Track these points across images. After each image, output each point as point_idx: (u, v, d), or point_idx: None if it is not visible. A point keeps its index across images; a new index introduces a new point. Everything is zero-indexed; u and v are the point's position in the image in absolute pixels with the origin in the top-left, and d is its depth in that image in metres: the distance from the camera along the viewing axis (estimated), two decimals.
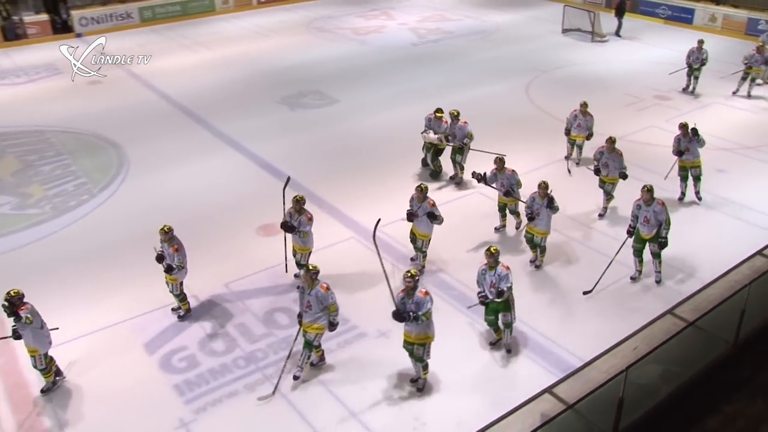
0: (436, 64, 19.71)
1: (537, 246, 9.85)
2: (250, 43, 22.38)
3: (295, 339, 7.94)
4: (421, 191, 9.46)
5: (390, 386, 7.84)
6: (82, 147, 14.57)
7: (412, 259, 10.09)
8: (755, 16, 22.00)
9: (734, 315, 8.29)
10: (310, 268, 7.70)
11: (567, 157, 13.05)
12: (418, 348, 7.54)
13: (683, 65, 16.68)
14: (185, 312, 9.05)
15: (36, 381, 7.92)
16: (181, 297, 8.96)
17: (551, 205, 9.40)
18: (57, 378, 7.92)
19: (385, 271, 7.75)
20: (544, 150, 13.50)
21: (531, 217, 9.58)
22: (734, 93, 16.67)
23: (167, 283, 8.83)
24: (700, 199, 11.68)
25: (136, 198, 12.32)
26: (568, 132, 12.81)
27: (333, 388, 7.85)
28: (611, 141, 10.83)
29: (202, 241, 10.71)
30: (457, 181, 12.49)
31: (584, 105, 12.59)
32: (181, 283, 8.86)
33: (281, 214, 9.33)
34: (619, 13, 22.34)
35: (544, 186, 9.43)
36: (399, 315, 7.32)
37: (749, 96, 16.51)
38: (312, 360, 8.00)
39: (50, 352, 7.71)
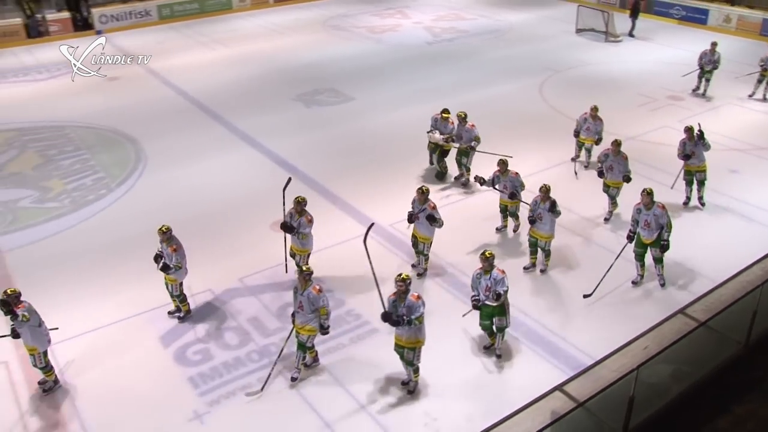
0: (450, 63, 19.75)
1: (541, 250, 9.74)
2: (267, 40, 22.55)
3: (287, 339, 7.99)
4: (423, 193, 9.38)
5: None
6: (101, 142, 14.79)
7: (413, 266, 10.00)
8: None
9: (746, 316, 8.27)
10: (304, 269, 7.69)
11: (574, 159, 13.00)
12: (409, 352, 7.52)
13: (696, 67, 16.58)
14: (185, 314, 9.04)
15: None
16: (182, 298, 8.95)
17: (553, 208, 9.33)
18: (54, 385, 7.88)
19: (374, 273, 7.61)
20: (556, 150, 13.50)
21: (533, 221, 9.51)
22: (750, 96, 16.51)
23: (166, 284, 8.79)
24: (703, 204, 11.48)
25: (153, 193, 12.49)
26: (577, 134, 12.76)
27: (345, 382, 7.93)
28: (617, 144, 10.72)
29: (217, 236, 10.88)
30: (464, 182, 12.44)
31: (594, 109, 12.48)
32: (181, 284, 8.85)
33: (283, 215, 9.37)
34: (634, 14, 22.23)
35: (545, 189, 9.38)
36: (388, 317, 7.29)
37: (765, 99, 16.34)
38: (306, 361, 8.02)
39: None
